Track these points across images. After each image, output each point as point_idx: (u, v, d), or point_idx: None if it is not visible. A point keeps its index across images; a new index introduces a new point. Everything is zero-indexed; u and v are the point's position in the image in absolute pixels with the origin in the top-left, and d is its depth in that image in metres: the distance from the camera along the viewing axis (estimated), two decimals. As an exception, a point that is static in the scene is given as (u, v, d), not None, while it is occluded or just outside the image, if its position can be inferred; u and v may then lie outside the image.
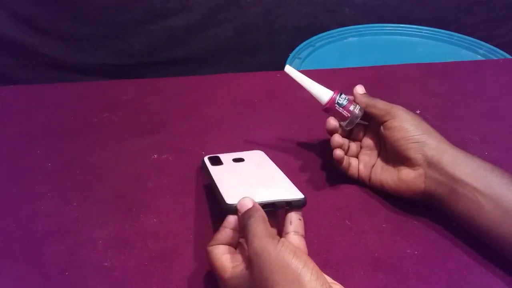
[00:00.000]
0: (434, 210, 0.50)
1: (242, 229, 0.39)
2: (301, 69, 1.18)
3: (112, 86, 0.74)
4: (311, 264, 0.35)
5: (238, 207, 0.40)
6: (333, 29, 1.37)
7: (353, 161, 0.54)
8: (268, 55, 1.53)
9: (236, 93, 0.72)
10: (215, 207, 0.51)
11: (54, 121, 0.65)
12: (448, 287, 0.43)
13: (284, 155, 0.59)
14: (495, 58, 1.23)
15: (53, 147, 0.60)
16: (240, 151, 0.55)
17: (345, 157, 0.53)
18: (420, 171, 0.47)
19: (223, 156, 0.54)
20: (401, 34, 1.39)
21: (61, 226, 0.48)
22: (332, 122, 0.53)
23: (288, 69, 0.54)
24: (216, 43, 1.49)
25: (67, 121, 0.65)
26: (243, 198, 0.40)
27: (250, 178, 0.49)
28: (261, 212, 0.39)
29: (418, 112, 0.66)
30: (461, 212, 0.45)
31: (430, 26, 1.38)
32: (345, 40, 1.35)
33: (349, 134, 0.55)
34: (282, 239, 0.36)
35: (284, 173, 0.50)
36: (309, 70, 1.09)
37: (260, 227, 0.37)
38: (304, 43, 1.29)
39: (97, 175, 0.55)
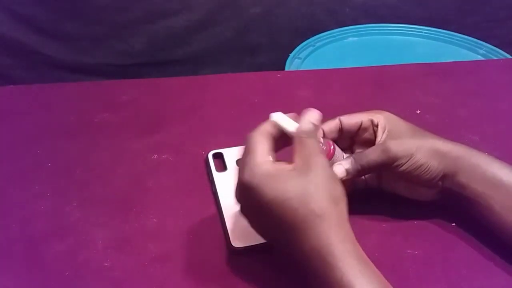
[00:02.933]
0: (435, 210, 0.50)
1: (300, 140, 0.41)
2: (301, 69, 1.19)
3: (112, 86, 0.74)
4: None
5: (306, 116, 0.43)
6: (333, 29, 1.37)
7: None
8: (268, 55, 1.53)
9: (236, 93, 0.72)
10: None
11: (54, 121, 0.65)
12: (448, 287, 0.43)
13: (284, 155, 0.58)
14: (496, 58, 1.23)
15: (53, 147, 0.60)
16: None
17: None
18: (437, 189, 0.47)
19: (227, 154, 0.56)
20: (401, 34, 1.39)
21: (61, 226, 0.48)
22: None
23: (277, 117, 0.45)
24: (216, 43, 1.49)
25: (67, 121, 0.65)
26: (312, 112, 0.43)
27: None
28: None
29: (418, 112, 0.66)
30: (473, 214, 0.46)
31: (430, 26, 1.38)
32: (345, 40, 1.35)
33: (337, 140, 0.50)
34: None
35: None
36: (309, 70, 1.09)
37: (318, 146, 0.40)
38: (304, 43, 1.29)
39: (97, 175, 0.55)
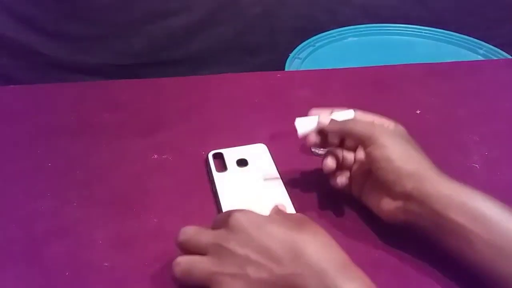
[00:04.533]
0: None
1: None
2: (301, 69, 1.19)
3: (112, 86, 0.74)
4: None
5: None
6: (333, 29, 1.37)
7: (345, 176, 0.49)
8: (268, 55, 1.53)
9: (236, 93, 0.72)
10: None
11: (54, 121, 0.65)
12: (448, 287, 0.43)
13: (284, 155, 0.58)
14: (495, 58, 1.23)
15: (53, 147, 0.60)
16: None
17: (339, 175, 0.49)
18: (399, 203, 0.43)
19: (226, 154, 0.56)
20: (401, 34, 1.39)
21: (61, 226, 0.48)
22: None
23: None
24: (216, 43, 1.49)
25: (67, 121, 0.65)
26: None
27: (255, 202, 0.50)
28: None
29: (418, 112, 0.66)
30: (450, 247, 0.41)
31: (430, 26, 1.38)
32: (345, 40, 1.35)
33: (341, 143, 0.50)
34: None
35: (285, 174, 0.52)
36: (309, 70, 1.09)
37: None
38: (304, 43, 1.29)
39: (97, 175, 0.55)
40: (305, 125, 0.49)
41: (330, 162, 0.48)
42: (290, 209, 0.49)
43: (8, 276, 0.43)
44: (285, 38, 1.49)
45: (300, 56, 1.24)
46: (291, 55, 1.24)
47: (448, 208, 0.40)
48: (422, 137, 0.62)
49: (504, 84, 0.76)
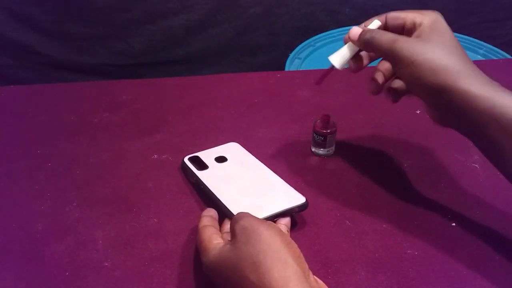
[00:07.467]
0: (435, 210, 0.50)
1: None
2: (301, 69, 1.18)
3: (112, 86, 0.74)
4: (303, 259, 0.36)
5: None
6: (333, 29, 1.37)
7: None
8: (268, 55, 1.53)
9: (236, 93, 0.72)
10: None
11: (54, 121, 0.65)
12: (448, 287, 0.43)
13: (284, 155, 0.58)
14: (495, 58, 1.23)
15: (53, 147, 0.60)
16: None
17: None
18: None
19: (202, 155, 0.55)
20: (401, 34, 1.39)
21: (61, 226, 0.48)
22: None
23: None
24: (216, 43, 1.49)
25: (67, 121, 0.65)
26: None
27: (248, 186, 0.50)
28: None
29: (418, 112, 0.66)
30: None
31: (430, 26, 1.38)
32: (345, 40, 1.35)
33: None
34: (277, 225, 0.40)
35: (280, 172, 0.52)
36: (309, 70, 1.09)
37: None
38: (304, 43, 1.29)
39: (97, 175, 0.55)
40: (340, 56, 0.50)
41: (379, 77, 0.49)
42: (288, 189, 0.49)
43: (8, 276, 0.43)
44: (285, 38, 1.49)
45: (300, 56, 1.24)
46: (291, 55, 1.24)
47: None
48: (422, 137, 0.62)
49: (504, 84, 0.75)
